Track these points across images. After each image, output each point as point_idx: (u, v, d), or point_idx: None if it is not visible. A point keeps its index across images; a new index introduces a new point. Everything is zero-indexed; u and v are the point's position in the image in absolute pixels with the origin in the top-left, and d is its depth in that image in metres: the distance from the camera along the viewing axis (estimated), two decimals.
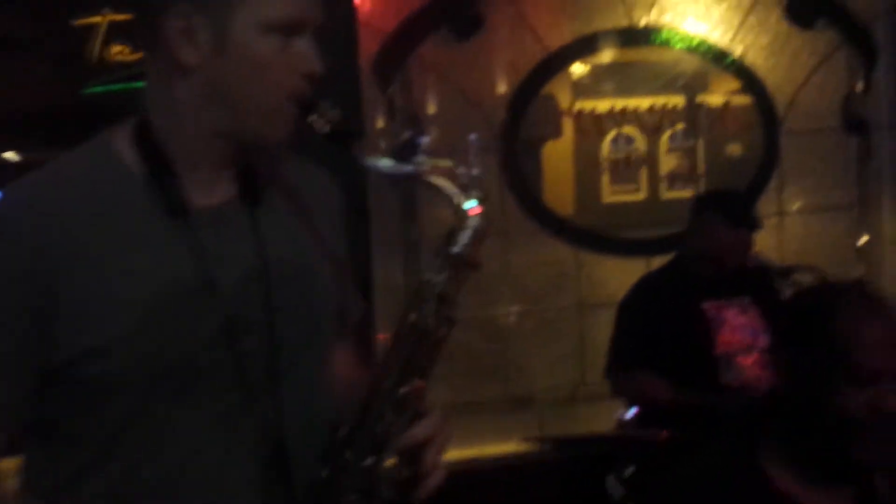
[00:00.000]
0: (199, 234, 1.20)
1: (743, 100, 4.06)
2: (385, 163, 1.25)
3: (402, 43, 3.64)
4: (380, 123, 3.64)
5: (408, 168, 1.23)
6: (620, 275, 3.82)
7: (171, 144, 1.21)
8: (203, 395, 1.19)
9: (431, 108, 3.78)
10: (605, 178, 3.95)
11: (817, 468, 1.50)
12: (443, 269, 1.24)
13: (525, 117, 3.81)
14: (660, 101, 3.96)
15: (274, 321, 1.22)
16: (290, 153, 1.33)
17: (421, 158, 1.23)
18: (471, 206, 1.23)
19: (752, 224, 3.12)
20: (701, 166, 4.06)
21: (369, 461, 1.21)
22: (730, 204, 3.15)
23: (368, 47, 3.57)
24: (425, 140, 3.68)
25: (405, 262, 3.66)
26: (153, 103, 1.22)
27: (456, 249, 1.24)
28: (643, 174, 3.99)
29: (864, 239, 4.22)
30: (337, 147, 1.23)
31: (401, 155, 3.41)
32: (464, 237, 1.23)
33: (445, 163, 1.24)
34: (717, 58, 3.98)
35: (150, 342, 1.16)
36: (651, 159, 3.98)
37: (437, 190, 1.24)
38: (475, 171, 1.26)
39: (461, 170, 1.24)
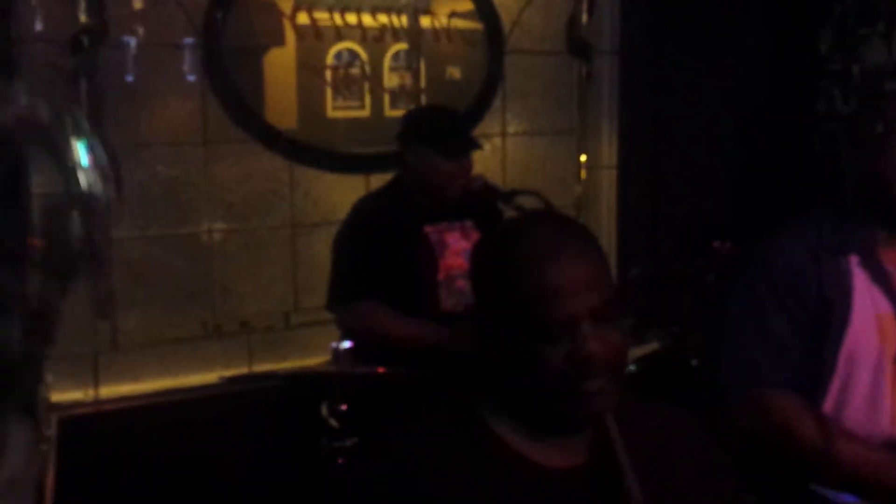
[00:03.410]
0: None
1: (467, 21, 3.92)
2: None
3: None
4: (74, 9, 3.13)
5: None
6: (337, 192, 3.62)
7: None
8: None
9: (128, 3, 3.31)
10: (329, 93, 3.68)
11: (539, 423, 1.32)
12: (44, 274, 0.86)
13: (238, 17, 3.44)
14: (385, 16, 3.74)
15: None
16: None
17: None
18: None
19: (469, 148, 2.95)
20: (423, 85, 3.88)
21: None
22: (442, 135, 2.92)
23: None
24: (131, 41, 3.27)
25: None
26: None
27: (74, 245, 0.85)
28: (367, 90, 3.76)
29: (583, 161, 4.21)
30: None
31: (81, 47, 2.97)
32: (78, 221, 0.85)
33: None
34: None
35: None
36: (375, 76, 3.76)
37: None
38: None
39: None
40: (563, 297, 1.24)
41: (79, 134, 0.87)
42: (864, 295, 1.97)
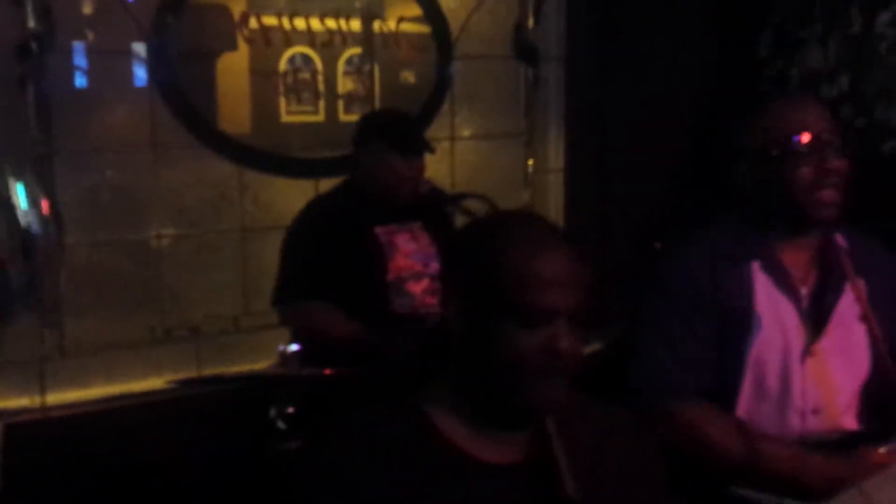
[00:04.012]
0: None
1: (419, 26, 3.95)
2: None
3: None
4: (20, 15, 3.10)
5: None
6: (287, 197, 3.62)
7: None
8: None
9: (72, 2, 3.27)
10: (283, 98, 3.69)
11: (485, 415, 1.36)
12: None
13: (188, 22, 3.43)
14: (337, 21, 3.75)
15: None
16: None
17: None
18: None
19: (423, 150, 3.00)
20: (377, 90, 3.91)
21: None
22: (398, 134, 2.98)
23: None
24: (80, 46, 3.26)
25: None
26: None
27: None
28: (321, 95, 3.78)
29: (530, 165, 4.25)
30: None
31: (28, 53, 2.96)
32: None
33: None
34: None
35: None
36: (329, 81, 3.78)
37: None
38: None
39: None
40: (549, 288, 1.29)
41: (18, 176, 0.86)
42: (767, 299, 2.00)
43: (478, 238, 1.40)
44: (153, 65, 3.40)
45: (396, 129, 3.01)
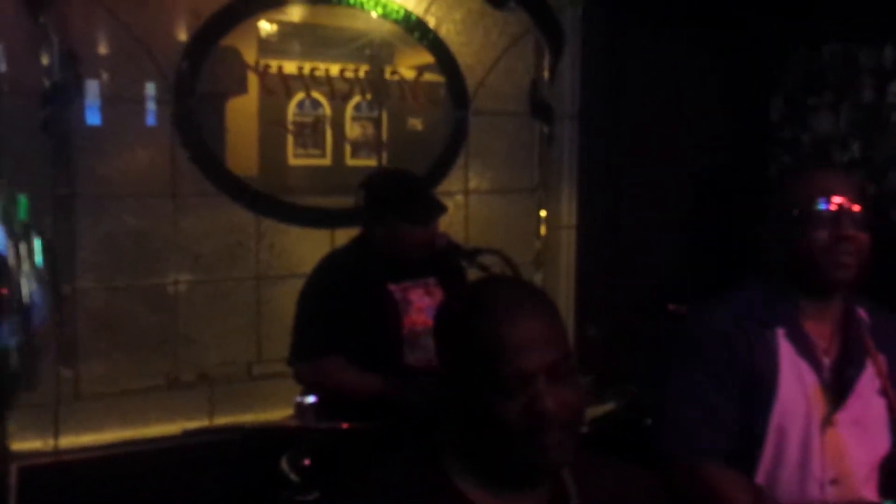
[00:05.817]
0: None
1: (432, 75, 4.00)
2: None
3: None
4: (44, 60, 3.17)
5: None
6: (303, 245, 3.66)
7: None
8: None
9: (95, 48, 3.35)
10: (291, 141, 3.75)
11: (499, 476, 1.37)
12: None
13: (206, 70, 3.50)
14: (348, 67, 3.81)
15: None
16: None
17: None
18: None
19: (436, 213, 2.99)
20: (385, 137, 3.97)
21: None
22: (409, 204, 2.93)
23: None
24: (102, 93, 3.33)
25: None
26: None
27: None
28: (329, 140, 3.83)
29: (543, 220, 4.30)
30: None
31: (53, 98, 3.01)
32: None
33: None
34: (409, 28, 3.88)
35: None
36: (337, 125, 3.83)
37: None
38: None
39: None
40: (520, 354, 1.30)
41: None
42: (791, 367, 2.02)
43: (453, 308, 1.43)
44: (174, 113, 3.45)
45: (407, 198, 2.96)
